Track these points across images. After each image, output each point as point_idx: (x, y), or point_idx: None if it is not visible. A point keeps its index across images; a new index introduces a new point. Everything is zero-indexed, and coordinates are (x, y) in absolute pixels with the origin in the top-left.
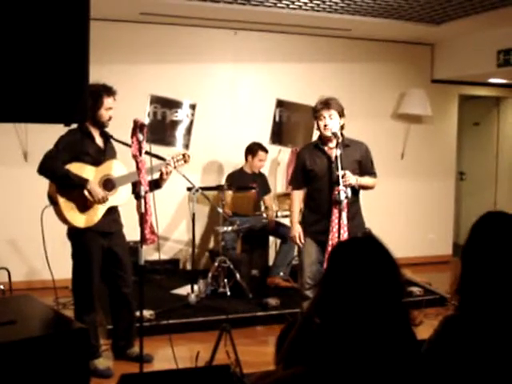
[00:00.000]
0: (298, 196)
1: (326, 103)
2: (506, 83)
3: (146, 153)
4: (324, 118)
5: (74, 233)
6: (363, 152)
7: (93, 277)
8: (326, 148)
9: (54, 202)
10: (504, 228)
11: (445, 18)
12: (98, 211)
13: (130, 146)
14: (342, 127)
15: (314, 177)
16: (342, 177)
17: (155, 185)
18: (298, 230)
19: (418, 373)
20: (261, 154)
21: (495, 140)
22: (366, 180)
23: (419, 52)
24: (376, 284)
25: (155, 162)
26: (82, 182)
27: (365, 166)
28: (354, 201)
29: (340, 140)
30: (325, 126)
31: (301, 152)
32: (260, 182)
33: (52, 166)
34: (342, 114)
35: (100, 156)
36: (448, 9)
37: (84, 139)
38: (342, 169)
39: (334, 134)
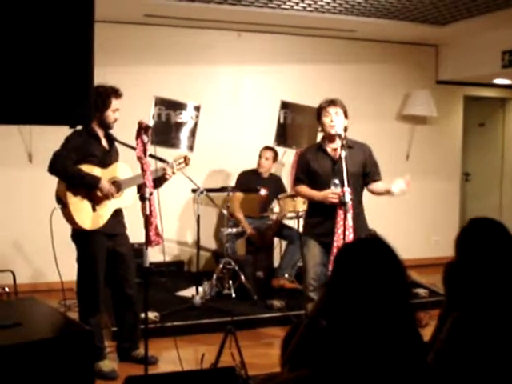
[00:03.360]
0: (305, 186)
1: (332, 101)
2: (511, 84)
3: (150, 155)
4: (330, 114)
5: (79, 234)
6: (367, 154)
7: (98, 278)
8: (329, 149)
9: (62, 202)
10: (491, 233)
11: (449, 18)
12: (105, 213)
13: (134, 148)
14: (345, 129)
15: (318, 178)
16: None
17: (155, 185)
18: (324, 192)
19: (425, 374)
20: (262, 152)
21: (500, 141)
22: (378, 188)
23: (424, 53)
24: (382, 285)
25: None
26: (95, 181)
27: (370, 169)
28: (356, 202)
29: (344, 141)
30: (331, 121)
31: (304, 153)
32: (273, 185)
33: (64, 165)
34: (346, 115)
35: (106, 158)
36: (452, 10)
37: (90, 140)
38: (346, 170)
39: (339, 136)
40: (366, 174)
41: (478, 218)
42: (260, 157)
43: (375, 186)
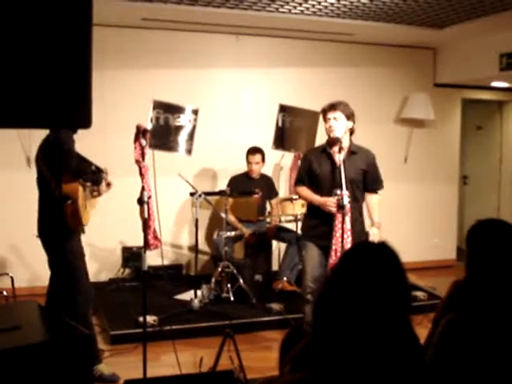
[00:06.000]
0: (306, 188)
1: (332, 105)
2: (509, 87)
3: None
4: (329, 119)
5: (65, 233)
6: (370, 161)
7: (87, 274)
8: (331, 152)
9: (72, 198)
10: (501, 234)
11: (447, 22)
12: (91, 210)
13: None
14: (351, 132)
15: (318, 180)
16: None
17: None
18: (325, 199)
19: (423, 378)
20: (250, 157)
21: (498, 144)
22: (378, 211)
23: (422, 56)
24: (385, 290)
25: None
26: (101, 178)
27: (371, 177)
28: (355, 208)
29: (344, 145)
30: (329, 127)
31: (307, 154)
32: (265, 186)
33: (74, 161)
34: (349, 118)
35: None
36: (450, 13)
37: None
38: (345, 174)
39: (337, 139)
40: (365, 181)
41: (487, 219)
42: (250, 163)
43: (371, 201)
